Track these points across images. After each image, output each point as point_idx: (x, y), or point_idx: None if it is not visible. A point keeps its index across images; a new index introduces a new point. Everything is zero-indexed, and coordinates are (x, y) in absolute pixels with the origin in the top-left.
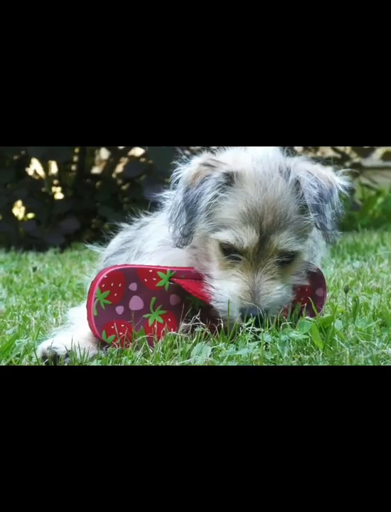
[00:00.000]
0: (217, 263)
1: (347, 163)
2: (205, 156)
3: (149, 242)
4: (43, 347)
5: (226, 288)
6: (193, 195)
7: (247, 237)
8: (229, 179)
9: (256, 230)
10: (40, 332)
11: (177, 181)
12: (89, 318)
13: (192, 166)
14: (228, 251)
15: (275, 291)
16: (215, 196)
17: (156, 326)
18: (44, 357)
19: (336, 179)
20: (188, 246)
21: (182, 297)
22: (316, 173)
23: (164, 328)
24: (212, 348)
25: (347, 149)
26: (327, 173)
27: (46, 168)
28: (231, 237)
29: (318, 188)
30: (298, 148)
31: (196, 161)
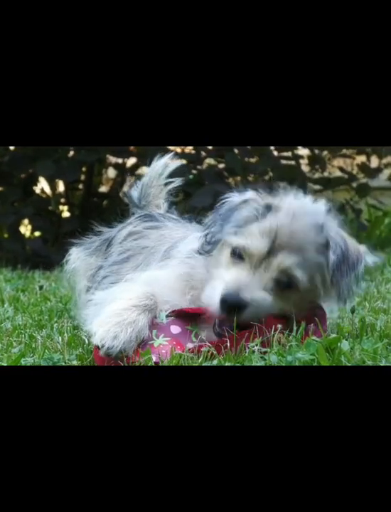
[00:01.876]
0: (223, 265)
1: (354, 184)
2: (254, 192)
3: (177, 248)
4: None
5: (219, 278)
6: (229, 213)
7: (256, 243)
8: (268, 210)
9: (269, 243)
10: (46, 351)
11: (222, 203)
12: None
13: (242, 195)
14: (236, 254)
15: (261, 295)
16: (248, 216)
17: (161, 345)
18: None
19: (366, 254)
20: (209, 256)
21: (182, 327)
22: (348, 240)
23: (171, 347)
24: None
25: (355, 169)
26: (358, 246)
27: (53, 186)
28: (243, 241)
29: (344, 250)
30: (305, 168)
31: (247, 193)
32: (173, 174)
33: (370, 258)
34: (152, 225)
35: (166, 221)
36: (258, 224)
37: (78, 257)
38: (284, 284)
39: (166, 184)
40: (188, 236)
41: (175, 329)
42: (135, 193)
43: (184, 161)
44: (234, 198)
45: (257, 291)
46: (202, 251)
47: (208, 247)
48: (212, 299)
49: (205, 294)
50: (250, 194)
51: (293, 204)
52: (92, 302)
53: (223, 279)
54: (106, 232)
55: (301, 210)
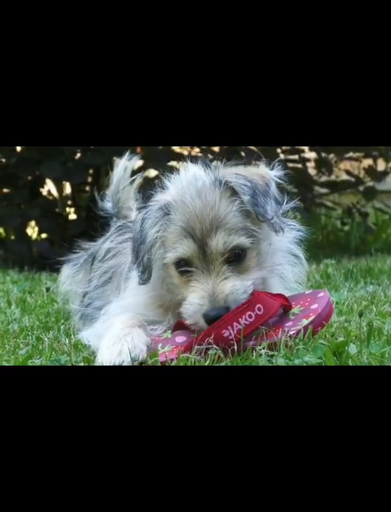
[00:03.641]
0: (179, 284)
1: (361, 187)
2: (140, 201)
3: (130, 282)
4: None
5: (188, 301)
6: (139, 236)
7: (186, 249)
8: (164, 211)
9: (193, 239)
10: (53, 352)
11: (134, 227)
12: None
13: (135, 211)
14: (181, 268)
15: (229, 288)
16: (157, 230)
17: (167, 352)
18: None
19: (270, 173)
20: (159, 281)
21: (188, 336)
22: (246, 172)
23: (178, 350)
24: None
25: (361, 173)
26: (259, 170)
27: (60, 188)
28: (174, 254)
29: (250, 184)
30: (312, 171)
31: (143, 209)
32: (134, 173)
33: (275, 173)
34: (127, 238)
35: None
36: (172, 232)
37: (68, 276)
38: (237, 259)
39: (131, 183)
40: None
41: (180, 339)
42: (108, 204)
43: (140, 161)
44: (134, 218)
45: (225, 289)
46: (142, 281)
47: (144, 276)
48: (195, 318)
49: (185, 318)
50: (140, 205)
51: (176, 192)
52: (84, 340)
53: (190, 299)
54: (92, 246)
55: (189, 191)
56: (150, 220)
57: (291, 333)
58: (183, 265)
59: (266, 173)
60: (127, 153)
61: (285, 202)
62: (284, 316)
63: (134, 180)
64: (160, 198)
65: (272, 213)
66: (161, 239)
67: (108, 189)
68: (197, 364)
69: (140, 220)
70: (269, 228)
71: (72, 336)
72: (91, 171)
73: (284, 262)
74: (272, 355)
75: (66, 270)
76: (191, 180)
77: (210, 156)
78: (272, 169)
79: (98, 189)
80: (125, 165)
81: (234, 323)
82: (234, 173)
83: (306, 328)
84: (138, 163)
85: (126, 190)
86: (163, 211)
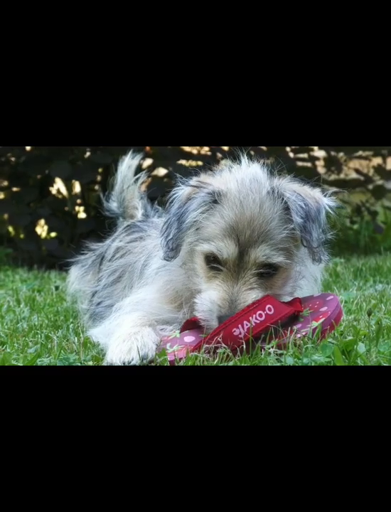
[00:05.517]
0: (202, 275)
1: (370, 186)
2: (196, 178)
3: (150, 266)
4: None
5: (207, 297)
6: (181, 212)
7: (226, 249)
8: (214, 198)
9: (235, 243)
10: (62, 351)
11: (172, 200)
12: None
13: (186, 187)
14: (211, 263)
15: (251, 299)
16: (201, 213)
17: (176, 351)
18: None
19: (323, 199)
20: (179, 262)
21: (196, 336)
22: (303, 193)
23: (187, 349)
24: None
25: (370, 171)
26: (314, 193)
27: (69, 187)
28: (213, 249)
29: (305, 207)
30: (321, 170)
31: (189, 182)
32: (137, 171)
33: (328, 202)
34: (136, 237)
35: (150, 229)
36: (215, 222)
37: (76, 276)
38: (268, 274)
39: (135, 181)
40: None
41: (188, 339)
42: (114, 204)
43: (147, 159)
44: (179, 192)
45: (247, 298)
46: (168, 258)
47: (172, 253)
48: (208, 317)
49: (198, 312)
50: (192, 183)
51: (234, 186)
52: (93, 337)
53: (212, 297)
54: (99, 247)
55: (247, 191)
56: (196, 201)
57: (299, 336)
58: (213, 261)
59: (319, 199)
60: (130, 152)
61: (326, 233)
62: (293, 319)
63: (138, 179)
64: (211, 181)
65: (317, 242)
66: (200, 224)
67: (113, 189)
68: (205, 363)
69: (184, 197)
70: (308, 255)
71: (81, 335)
72: (100, 170)
73: (305, 287)
74: (281, 354)
75: (74, 271)
76: (250, 178)
77: (220, 155)
78: (326, 196)
79: (104, 189)
80: (129, 164)
81: (245, 322)
82: (293, 190)
83: (315, 330)
84: (143, 161)
85: (130, 189)
86: (213, 197)
